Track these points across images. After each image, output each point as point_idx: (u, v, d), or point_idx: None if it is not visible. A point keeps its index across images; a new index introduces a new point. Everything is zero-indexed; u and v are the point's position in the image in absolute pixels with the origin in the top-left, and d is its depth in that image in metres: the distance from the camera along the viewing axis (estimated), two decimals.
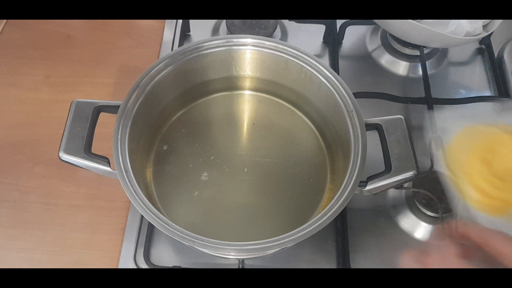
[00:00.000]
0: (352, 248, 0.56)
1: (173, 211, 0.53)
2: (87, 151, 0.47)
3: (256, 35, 0.55)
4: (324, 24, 0.73)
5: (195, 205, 0.54)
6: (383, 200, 0.60)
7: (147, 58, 0.71)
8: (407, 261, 0.34)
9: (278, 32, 0.74)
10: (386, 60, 0.72)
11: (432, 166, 0.56)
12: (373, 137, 0.50)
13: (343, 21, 0.74)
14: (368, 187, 0.47)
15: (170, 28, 0.75)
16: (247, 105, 0.60)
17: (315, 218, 0.44)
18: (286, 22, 0.76)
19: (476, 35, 0.64)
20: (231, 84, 0.60)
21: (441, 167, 0.41)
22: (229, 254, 0.52)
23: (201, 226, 0.52)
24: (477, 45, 0.75)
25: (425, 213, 0.57)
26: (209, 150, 0.57)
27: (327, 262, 0.55)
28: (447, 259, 0.33)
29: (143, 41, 0.74)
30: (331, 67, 0.58)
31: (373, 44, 0.74)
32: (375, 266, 0.56)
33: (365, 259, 0.56)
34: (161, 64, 0.53)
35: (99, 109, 0.50)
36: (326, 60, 0.72)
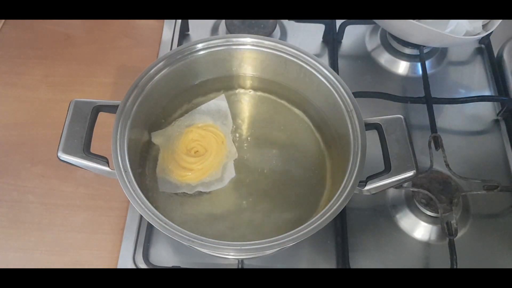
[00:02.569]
0: (351, 248, 0.56)
1: (173, 211, 0.53)
2: (86, 151, 0.47)
3: (255, 34, 0.55)
4: (323, 23, 0.73)
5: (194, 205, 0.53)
6: (383, 200, 0.60)
7: (146, 57, 0.71)
8: None
9: (277, 31, 0.74)
10: (385, 59, 0.72)
11: (431, 166, 0.56)
12: (372, 137, 0.50)
13: (342, 20, 0.74)
14: (367, 187, 0.47)
15: (169, 28, 0.74)
16: (246, 104, 0.60)
17: (314, 218, 0.44)
18: (285, 21, 0.76)
19: (476, 35, 0.64)
20: (230, 83, 0.60)
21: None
22: (229, 254, 0.52)
23: (200, 226, 0.52)
24: (476, 45, 0.75)
25: (424, 213, 0.57)
26: None
27: (326, 262, 0.55)
28: None
29: (142, 40, 0.74)
30: (331, 67, 0.58)
31: (372, 43, 0.74)
32: (374, 266, 0.56)
33: (364, 259, 0.56)
34: (160, 63, 0.53)
35: (98, 109, 0.49)
36: (325, 59, 0.72)
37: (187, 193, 0.53)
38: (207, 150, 0.55)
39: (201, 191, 0.53)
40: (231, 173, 0.54)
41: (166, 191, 0.53)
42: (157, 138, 0.56)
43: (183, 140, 0.55)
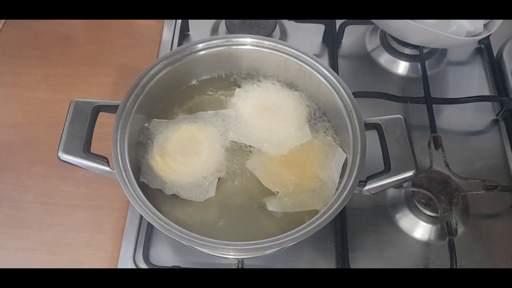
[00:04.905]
0: (351, 247, 0.56)
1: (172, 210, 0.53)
2: (86, 151, 0.47)
3: (255, 34, 0.55)
4: (323, 23, 0.73)
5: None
6: (382, 200, 0.60)
7: (146, 57, 0.71)
8: None
9: (277, 31, 0.74)
10: (385, 59, 0.72)
11: (431, 165, 0.56)
12: (372, 137, 0.50)
13: (342, 20, 0.74)
14: (367, 187, 0.47)
15: (169, 28, 0.75)
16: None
17: (314, 218, 0.44)
18: (285, 21, 0.76)
19: (477, 35, 0.63)
20: (230, 83, 0.60)
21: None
22: (229, 254, 0.52)
23: (201, 226, 0.52)
24: (476, 45, 0.75)
25: (424, 213, 0.57)
26: None
27: (326, 262, 0.55)
28: None
29: (142, 40, 0.74)
30: (331, 67, 0.58)
31: (372, 43, 0.74)
32: (374, 266, 0.56)
33: (364, 258, 0.56)
34: (160, 63, 0.53)
35: (98, 109, 0.49)
36: (325, 59, 0.72)
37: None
38: (198, 154, 0.53)
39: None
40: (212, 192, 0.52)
41: (143, 181, 0.52)
42: (154, 126, 0.54)
43: (178, 136, 0.53)
